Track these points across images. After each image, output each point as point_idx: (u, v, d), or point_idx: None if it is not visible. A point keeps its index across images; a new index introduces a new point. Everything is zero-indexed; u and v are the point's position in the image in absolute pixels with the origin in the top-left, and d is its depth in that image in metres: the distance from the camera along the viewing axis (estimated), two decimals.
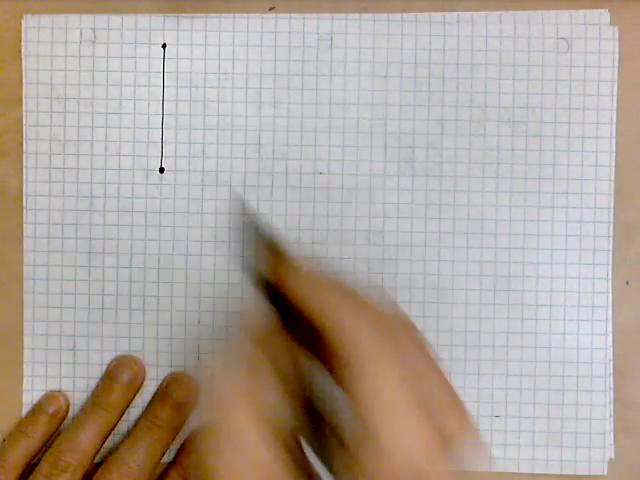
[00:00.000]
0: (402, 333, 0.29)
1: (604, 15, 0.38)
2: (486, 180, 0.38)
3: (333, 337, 0.27)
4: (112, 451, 0.37)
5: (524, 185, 0.38)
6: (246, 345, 0.29)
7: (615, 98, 0.38)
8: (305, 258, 0.29)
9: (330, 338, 0.28)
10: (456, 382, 0.38)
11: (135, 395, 0.38)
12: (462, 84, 0.38)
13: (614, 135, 0.38)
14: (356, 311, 0.28)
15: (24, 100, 0.38)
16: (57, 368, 0.38)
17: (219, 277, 0.38)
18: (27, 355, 0.38)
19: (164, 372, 0.38)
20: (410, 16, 0.38)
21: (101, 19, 0.38)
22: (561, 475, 0.38)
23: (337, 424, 0.27)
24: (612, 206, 0.38)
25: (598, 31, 0.38)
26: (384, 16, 0.38)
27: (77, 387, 0.38)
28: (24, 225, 0.38)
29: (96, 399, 0.37)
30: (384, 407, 0.26)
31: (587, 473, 0.38)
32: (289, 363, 0.29)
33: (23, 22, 0.38)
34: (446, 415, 0.29)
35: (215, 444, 0.28)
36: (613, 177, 0.38)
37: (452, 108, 0.38)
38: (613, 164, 0.38)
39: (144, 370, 0.38)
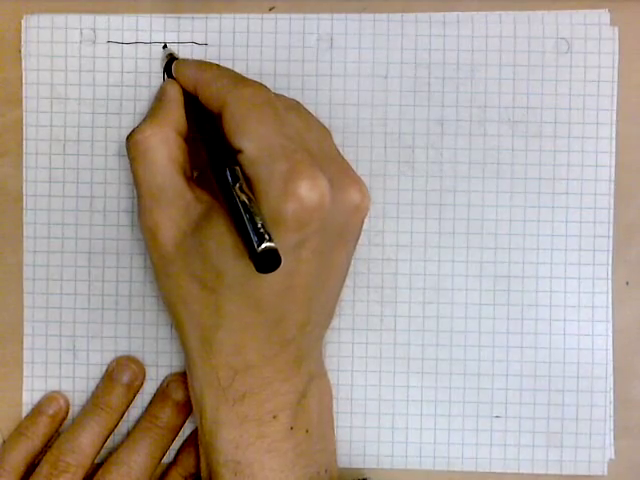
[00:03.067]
0: (288, 107, 0.33)
1: (604, 15, 0.38)
2: (486, 180, 0.38)
3: (212, 105, 0.33)
4: (112, 452, 0.37)
5: (524, 185, 0.38)
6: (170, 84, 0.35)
7: (615, 98, 0.38)
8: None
9: (212, 107, 0.33)
10: (456, 382, 0.38)
11: (135, 396, 0.38)
12: (462, 84, 0.38)
13: (614, 135, 0.38)
14: (238, 81, 0.33)
15: (24, 100, 0.38)
16: (57, 368, 0.38)
17: None
18: (27, 355, 0.38)
19: (164, 372, 0.38)
20: (410, 16, 0.38)
21: (101, 19, 0.38)
22: (561, 475, 0.38)
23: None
24: (612, 206, 0.38)
25: (598, 31, 0.38)
26: (384, 16, 0.38)
27: (77, 387, 0.38)
28: (24, 225, 0.38)
29: (96, 400, 0.37)
30: (269, 151, 0.30)
31: (587, 473, 0.38)
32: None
33: (23, 22, 0.38)
34: (328, 164, 0.32)
35: (131, 156, 0.34)
36: (613, 177, 0.38)
37: (452, 108, 0.38)
38: (613, 164, 0.38)
39: (144, 371, 0.38)
